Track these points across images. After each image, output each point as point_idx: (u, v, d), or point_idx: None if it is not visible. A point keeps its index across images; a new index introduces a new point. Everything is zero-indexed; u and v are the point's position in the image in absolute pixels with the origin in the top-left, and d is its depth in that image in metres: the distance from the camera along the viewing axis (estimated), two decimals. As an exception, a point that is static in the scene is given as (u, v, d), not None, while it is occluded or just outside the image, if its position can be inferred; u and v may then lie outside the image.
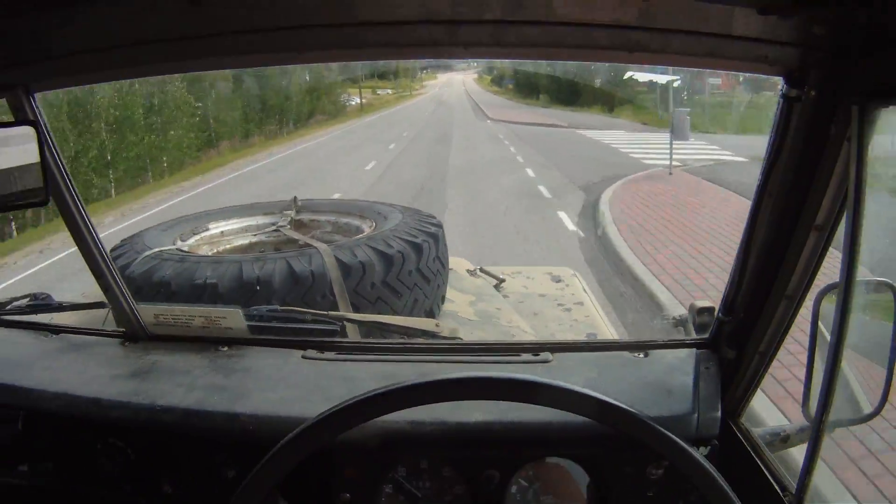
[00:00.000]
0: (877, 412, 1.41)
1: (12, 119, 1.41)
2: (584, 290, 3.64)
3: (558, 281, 3.72)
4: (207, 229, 3.42)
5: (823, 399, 1.16)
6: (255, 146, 25.62)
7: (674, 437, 0.95)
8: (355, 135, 30.15)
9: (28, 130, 1.39)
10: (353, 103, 45.14)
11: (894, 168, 1.17)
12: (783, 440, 1.52)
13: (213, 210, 3.74)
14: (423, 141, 25.33)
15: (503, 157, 20.40)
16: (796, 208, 1.23)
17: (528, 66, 42.19)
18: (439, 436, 1.36)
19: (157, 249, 2.83)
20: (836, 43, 1.04)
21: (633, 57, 1.19)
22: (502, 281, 3.50)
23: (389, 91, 64.92)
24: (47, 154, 1.41)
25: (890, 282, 1.39)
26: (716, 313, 1.57)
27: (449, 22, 1.14)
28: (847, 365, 1.40)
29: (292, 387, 1.55)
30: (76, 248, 1.67)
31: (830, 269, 1.20)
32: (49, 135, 1.43)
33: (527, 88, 48.26)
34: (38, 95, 1.44)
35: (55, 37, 1.25)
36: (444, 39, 1.17)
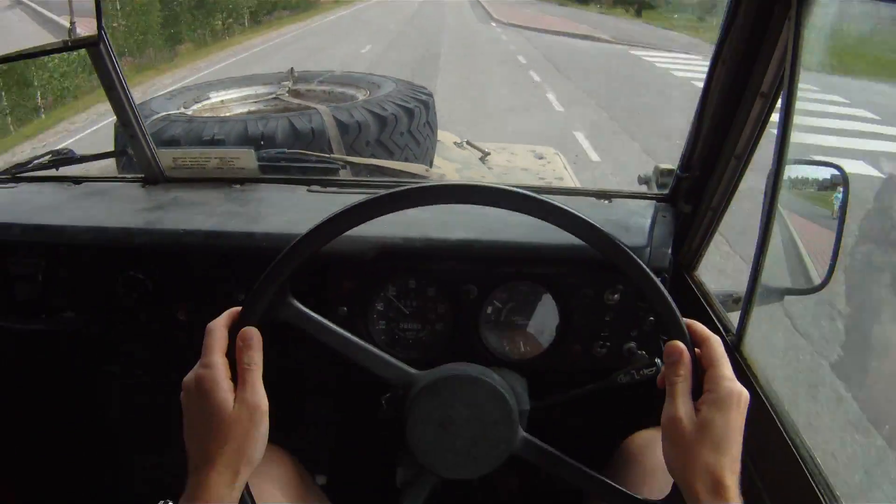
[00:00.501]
0: (823, 285, 1.54)
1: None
2: (565, 166, 3.82)
3: (540, 158, 3.89)
4: (209, 98, 3.58)
5: (757, 255, 1.36)
6: (163, 66, 17.56)
7: (635, 256, 1.00)
8: (300, 43, 22.10)
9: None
10: None
11: (824, 44, 1.32)
12: (735, 301, 1.67)
13: (213, 80, 3.88)
14: (396, 59, 16.58)
15: (533, 104, 12.09)
16: (745, 77, 1.39)
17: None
18: (426, 250, 1.55)
19: (164, 113, 3.01)
20: None
21: None
22: (487, 154, 3.65)
23: None
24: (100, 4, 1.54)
25: (839, 165, 1.54)
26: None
27: None
28: (803, 238, 1.60)
29: (300, 212, 1.74)
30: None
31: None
32: None
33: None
34: None
35: None
36: None
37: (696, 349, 0.93)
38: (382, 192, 0.99)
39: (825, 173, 1.57)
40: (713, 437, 0.86)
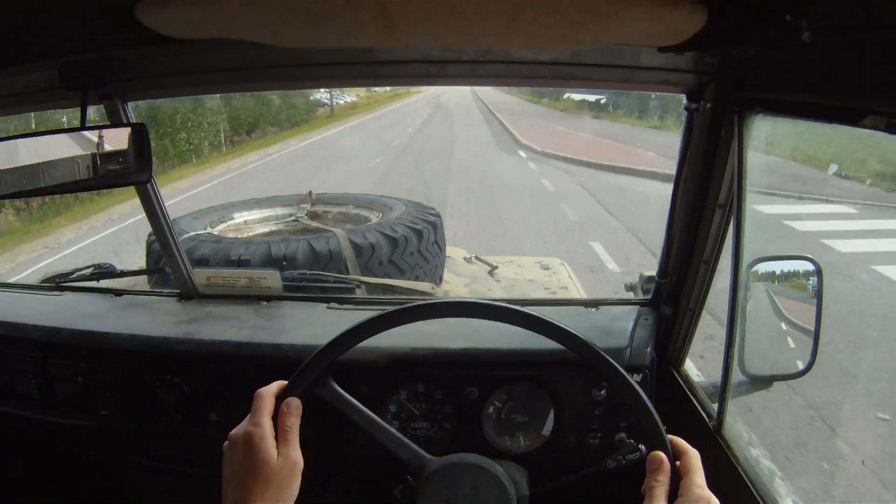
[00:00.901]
0: (807, 369, 1.67)
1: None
2: (570, 276, 3.96)
3: (546, 269, 4.03)
4: (233, 218, 3.84)
5: (727, 348, 1.53)
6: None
7: (609, 358, 1.14)
8: (283, 170, 17.43)
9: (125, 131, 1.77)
10: (341, 102, 39.39)
11: (764, 159, 1.48)
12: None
13: (237, 202, 4.14)
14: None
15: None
16: (704, 191, 1.59)
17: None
18: (431, 357, 1.73)
19: (193, 233, 3.25)
20: (721, 70, 1.42)
21: (568, 83, 1.62)
22: (495, 268, 3.81)
23: (388, 88, 57.93)
24: (148, 147, 1.73)
25: (812, 257, 1.68)
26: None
27: (439, 62, 1.57)
28: (787, 329, 1.73)
29: (320, 326, 1.92)
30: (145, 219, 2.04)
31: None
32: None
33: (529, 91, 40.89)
34: (130, 104, 1.82)
35: (151, 63, 1.66)
36: (435, 73, 1.61)
37: (675, 461, 1.07)
38: (407, 304, 1.19)
39: (802, 265, 1.70)
40: None
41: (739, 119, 1.37)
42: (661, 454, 1.06)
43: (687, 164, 1.62)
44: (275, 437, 1.06)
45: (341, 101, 39.66)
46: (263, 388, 1.12)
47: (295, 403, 1.11)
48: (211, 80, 1.73)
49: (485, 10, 0.97)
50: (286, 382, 1.14)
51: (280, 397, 1.11)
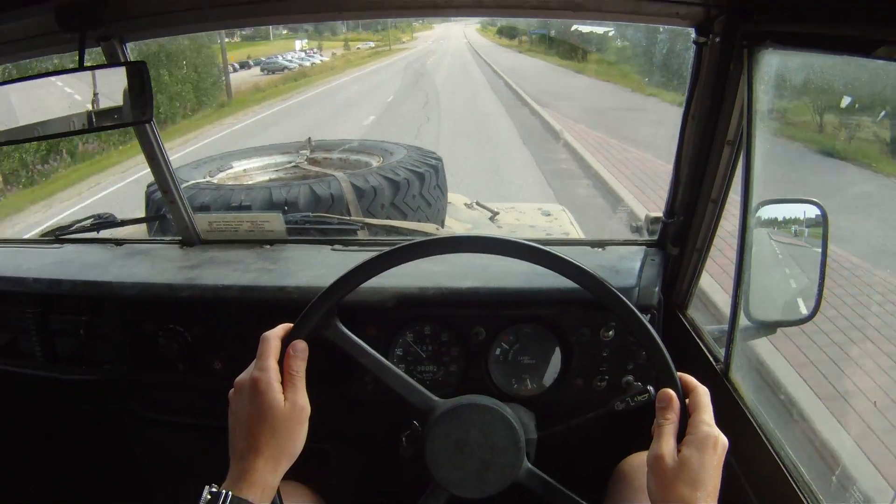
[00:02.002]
0: (812, 315, 1.66)
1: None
2: (571, 222, 3.96)
3: (547, 215, 4.05)
4: (232, 167, 3.81)
5: (735, 291, 1.52)
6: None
7: (621, 296, 1.12)
8: None
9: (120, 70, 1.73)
10: (309, 64, 35.46)
11: (774, 93, 1.46)
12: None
13: (235, 150, 4.11)
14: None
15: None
16: (712, 128, 1.57)
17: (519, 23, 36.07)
18: (439, 297, 1.71)
19: (192, 182, 3.23)
20: (730, 2, 1.39)
21: (576, 14, 1.58)
22: (496, 214, 3.81)
23: (372, 44, 54.83)
24: (148, 85, 1.67)
25: (817, 201, 1.66)
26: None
27: None
28: (791, 274, 1.73)
29: (325, 267, 1.91)
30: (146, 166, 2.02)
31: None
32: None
33: (566, 47, 28.08)
34: (128, 44, 1.78)
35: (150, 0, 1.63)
36: (441, 2, 1.57)
37: (685, 398, 1.07)
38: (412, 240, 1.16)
39: (807, 210, 1.67)
40: (690, 474, 0.99)
41: (749, 53, 1.35)
42: (671, 391, 1.06)
43: (695, 100, 1.59)
44: (281, 381, 1.06)
45: (309, 63, 36.15)
46: (269, 331, 1.11)
47: (301, 346, 1.10)
48: (212, 16, 1.68)
49: None
50: (292, 325, 1.13)
51: (286, 340, 1.10)
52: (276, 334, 1.10)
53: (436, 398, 1.17)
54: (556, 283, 1.20)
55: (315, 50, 45.90)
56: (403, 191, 2.93)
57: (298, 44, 45.67)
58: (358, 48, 53.04)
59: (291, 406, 1.04)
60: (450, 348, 1.73)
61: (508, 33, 52.51)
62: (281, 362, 1.08)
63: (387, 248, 1.17)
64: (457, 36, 67.77)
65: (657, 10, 1.51)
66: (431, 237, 1.19)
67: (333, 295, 1.14)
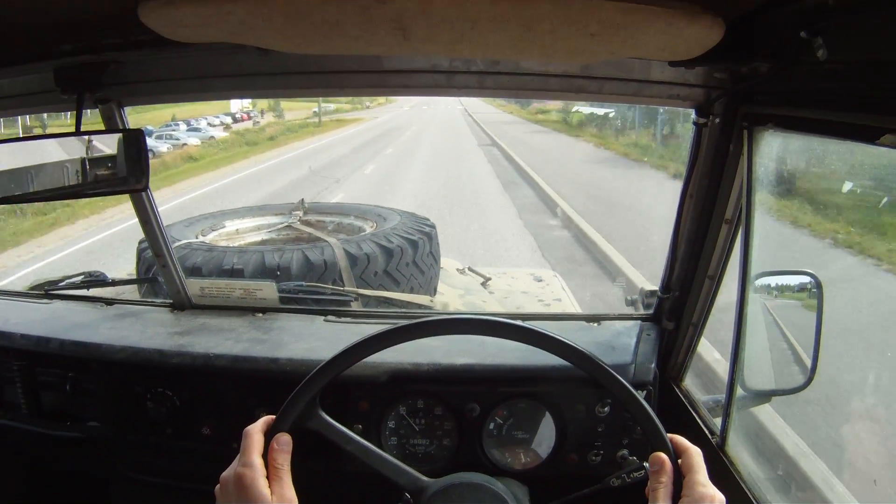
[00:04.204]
0: (807, 384, 1.64)
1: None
2: (563, 288, 3.95)
3: (539, 280, 4.03)
4: (224, 226, 3.80)
5: (732, 363, 1.54)
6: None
7: (616, 374, 1.13)
8: None
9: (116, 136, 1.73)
10: (196, 141, 27.55)
11: (773, 174, 1.49)
12: (722, 406, 1.73)
13: (228, 209, 4.11)
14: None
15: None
16: (710, 206, 1.59)
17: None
18: (434, 373, 1.71)
19: (184, 241, 3.21)
20: (730, 85, 1.41)
21: (577, 96, 1.61)
22: (488, 279, 3.78)
23: (332, 106, 47.93)
24: (145, 153, 1.69)
25: (812, 272, 1.68)
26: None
27: (447, 72, 1.56)
28: (786, 343, 1.72)
29: (319, 339, 1.89)
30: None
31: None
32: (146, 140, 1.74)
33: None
34: (126, 109, 1.80)
35: (150, 67, 1.64)
36: (443, 83, 1.59)
37: (677, 459, 1.06)
38: (402, 322, 1.16)
39: (803, 279, 1.71)
40: None
41: (749, 134, 1.37)
42: (662, 455, 1.05)
43: (694, 179, 1.61)
44: (266, 475, 1.03)
45: (195, 141, 27.62)
46: (251, 425, 1.08)
47: (284, 440, 1.08)
48: (212, 86, 1.71)
49: (502, 21, 0.95)
50: (273, 418, 1.11)
51: (269, 434, 1.08)
52: (257, 429, 1.08)
53: (425, 479, 1.15)
54: (552, 360, 1.18)
55: (255, 112, 41.97)
56: (397, 258, 2.92)
57: (235, 104, 39.42)
58: (314, 112, 44.76)
59: (279, 500, 1.02)
60: (443, 422, 1.71)
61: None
62: (265, 456, 1.06)
63: (370, 333, 1.15)
64: (446, 103, 58.08)
65: (658, 92, 1.54)
66: (416, 321, 1.18)
67: (314, 385, 1.13)
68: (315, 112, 45.52)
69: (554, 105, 36.53)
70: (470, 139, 31.95)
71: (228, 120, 38.51)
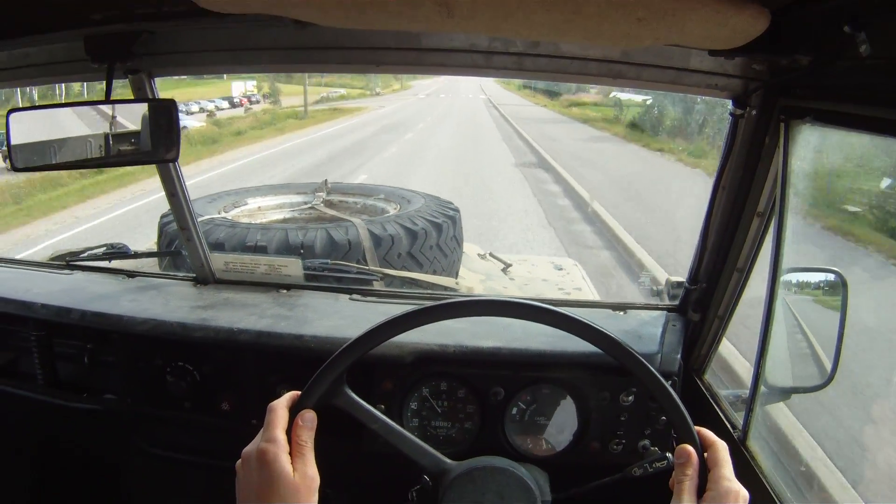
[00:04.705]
0: (827, 382, 1.65)
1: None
2: (584, 277, 3.94)
3: (560, 269, 4.03)
4: (246, 203, 3.80)
5: (758, 358, 1.52)
6: None
7: (646, 363, 1.13)
8: None
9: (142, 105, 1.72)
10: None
11: (811, 168, 1.49)
12: (742, 401, 1.76)
13: (251, 187, 4.11)
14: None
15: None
16: (743, 199, 1.58)
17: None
18: (459, 355, 1.71)
19: (207, 217, 3.21)
20: (769, 77, 1.40)
21: (616, 82, 1.59)
22: (509, 265, 3.77)
23: (343, 91, 45.27)
24: (177, 124, 1.71)
25: (838, 270, 1.67)
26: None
27: (486, 52, 1.54)
28: (811, 341, 1.73)
29: (344, 318, 1.89)
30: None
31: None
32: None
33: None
34: (158, 81, 1.79)
35: (183, 37, 1.63)
36: (482, 63, 1.57)
37: (703, 452, 1.05)
38: (428, 303, 1.15)
39: (828, 277, 1.70)
40: None
41: (786, 127, 1.36)
42: (689, 447, 1.05)
43: (727, 170, 1.60)
44: (289, 452, 1.02)
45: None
46: (275, 400, 1.07)
47: (309, 416, 1.06)
48: (245, 59, 1.69)
49: (550, 1, 0.93)
50: (298, 393, 1.10)
51: (293, 409, 1.07)
52: (282, 404, 1.07)
53: (448, 461, 1.14)
54: (578, 347, 1.21)
55: (256, 95, 38.48)
56: (421, 241, 2.91)
57: (237, 87, 36.82)
58: (324, 97, 41.80)
59: (301, 477, 1.00)
60: (466, 405, 1.72)
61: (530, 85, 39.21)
62: (289, 432, 1.05)
63: (399, 312, 1.14)
64: (467, 91, 51.67)
65: (696, 81, 1.52)
66: (445, 301, 1.16)
67: (341, 363, 1.11)
68: (324, 97, 41.84)
69: (588, 96, 31.88)
70: (500, 150, 21.55)
71: (225, 104, 35.29)
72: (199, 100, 32.45)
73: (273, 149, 22.25)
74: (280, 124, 29.66)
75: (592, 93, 31.06)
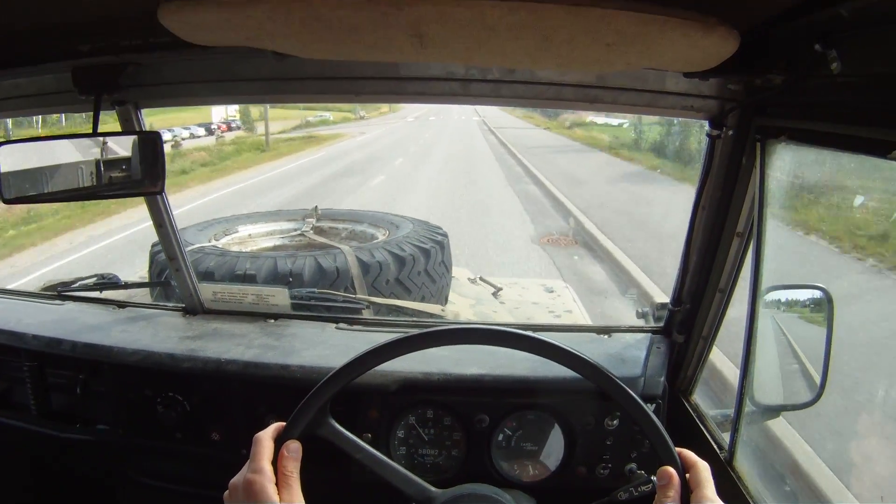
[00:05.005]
0: (815, 399, 1.64)
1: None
2: (574, 299, 3.96)
3: (550, 291, 4.04)
4: (237, 231, 3.83)
5: (742, 378, 1.53)
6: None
7: (625, 387, 1.14)
8: None
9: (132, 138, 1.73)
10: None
11: (786, 187, 1.50)
12: (731, 421, 1.72)
13: (241, 214, 4.13)
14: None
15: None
16: (722, 219, 1.58)
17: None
18: (443, 383, 1.71)
19: (197, 245, 3.22)
20: (744, 97, 1.41)
21: (592, 106, 1.61)
22: (500, 289, 3.79)
23: (327, 115, 40.18)
24: (161, 156, 1.72)
25: (823, 286, 1.67)
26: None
27: (463, 80, 1.56)
28: (796, 358, 1.73)
29: (330, 347, 1.89)
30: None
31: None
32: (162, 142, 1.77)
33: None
34: (143, 111, 1.80)
35: (168, 69, 1.65)
36: (459, 91, 1.59)
37: (685, 473, 1.06)
38: (413, 331, 1.16)
39: (814, 294, 1.69)
40: None
41: (762, 146, 1.37)
42: (670, 469, 1.05)
43: (706, 191, 1.60)
44: (275, 482, 1.03)
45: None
46: (261, 431, 1.08)
47: (294, 447, 1.08)
48: (228, 90, 1.71)
49: (519, 29, 0.95)
50: (283, 424, 1.11)
51: (279, 440, 1.08)
52: (268, 435, 1.08)
53: (433, 489, 1.14)
54: (561, 372, 1.20)
55: (237, 121, 36.52)
56: (409, 267, 2.93)
57: (219, 112, 35.19)
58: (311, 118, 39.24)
59: None
60: (452, 433, 1.71)
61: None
62: (275, 463, 1.05)
63: (382, 342, 1.16)
64: (459, 113, 48.33)
65: (672, 103, 1.53)
66: (427, 330, 1.18)
67: (325, 393, 1.12)
68: (306, 122, 39.57)
69: (589, 115, 27.16)
70: (510, 206, 14.93)
71: (202, 132, 33.56)
72: (175, 127, 31.51)
73: (193, 202, 15.87)
74: (232, 160, 25.78)
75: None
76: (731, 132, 1.48)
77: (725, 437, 1.64)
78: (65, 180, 1.66)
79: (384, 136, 34.44)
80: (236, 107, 33.84)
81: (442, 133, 33.44)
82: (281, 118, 36.99)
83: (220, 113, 35.04)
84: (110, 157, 1.70)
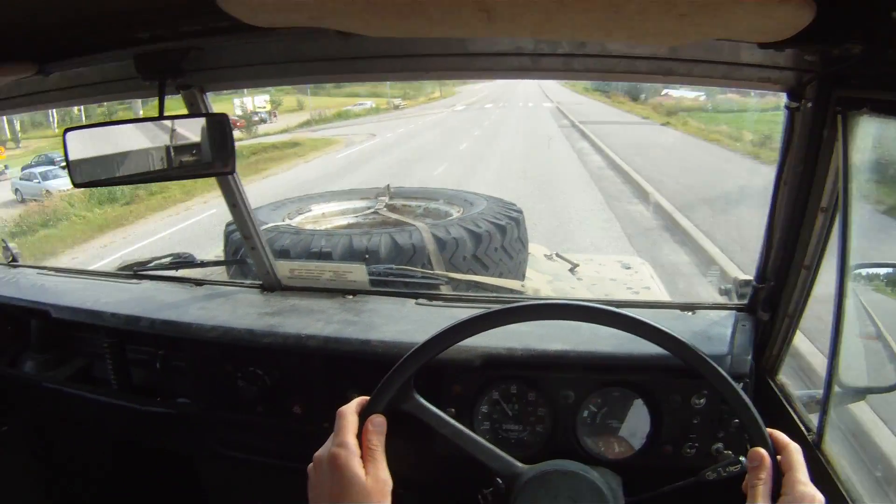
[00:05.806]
0: None
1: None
2: (652, 276, 3.88)
3: (628, 268, 3.95)
4: (310, 210, 3.85)
5: (831, 358, 1.44)
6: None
7: (716, 365, 1.11)
8: None
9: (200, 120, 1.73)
10: None
11: (873, 161, 1.42)
12: (816, 402, 1.69)
13: (314, 193, 4.15)
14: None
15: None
16: (805, 194, 1.50)
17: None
18: (527, 359, 1.68)
19: (272, 224, 3.24)
20: (822, 67, 1.33)
21: (666, 79, 1.54)
22: (576, 266, 3.74)
23: (370, 104, 38.19)
24: (230, 137, 1.73)
25: None
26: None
27: (533, 54, 1.51)
28: (886, 339, 1.65)
29: (411, 322, 1.88)
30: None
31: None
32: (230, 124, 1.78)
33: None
34: (209, 94, 1.82)
35: (230, 52, 1.64)
36: (529, 66, 1.54)
37: (776, 455, 1.01)
38: (494, 306, 1.13)
39: None
40: None
41: (843, 119, 1.29)
42: (762, 450, 1.01)
43: (787, 165, 1.52)
44: (360, 456, 1.02)
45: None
46: (344, 406, 1.07)
47: (378, 421, 1.06)
48: (292, 71, 1.69)
49: (589, 1, 0.90)
50: (366, 399, 1.10)
51: (363, 414, 1.07)
52: (352, 409, 1.07)
53: (520, 465, 1.13)
54: (647, 349, 1.17)
55: (262, 113, 32.04)
56: (485, 243, 2.89)
57: (247, 102, 29.93)
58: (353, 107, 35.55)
59: (374, 481, 1.00)
60: (537, 408, 1.68)
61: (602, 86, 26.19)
62: (359, 436, 1.05)
63: (466, 316, 1.14)
64: (526, 97, 40.61)
65: (748, 75, 1.46)
66: (512, 305, 1.15)
67: (409, 367, 1.11)
68: (344, 112, 33.10)
69: (686, 98, 22.54)
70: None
71: None
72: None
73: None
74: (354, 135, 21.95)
75: (681, 91, 21.43)
76: (809, 104, 1.40)
77: (812, 419, 1.57)
78: (135, 165, 1.68)
79: (407, 140, 24.61)
80: (266, 96, 31.25)
81: (498, 131, 24.78)
82: (324, 106, 33.56)
83: (248, 104, 30.87)
84: (180, 142, 1.71)
